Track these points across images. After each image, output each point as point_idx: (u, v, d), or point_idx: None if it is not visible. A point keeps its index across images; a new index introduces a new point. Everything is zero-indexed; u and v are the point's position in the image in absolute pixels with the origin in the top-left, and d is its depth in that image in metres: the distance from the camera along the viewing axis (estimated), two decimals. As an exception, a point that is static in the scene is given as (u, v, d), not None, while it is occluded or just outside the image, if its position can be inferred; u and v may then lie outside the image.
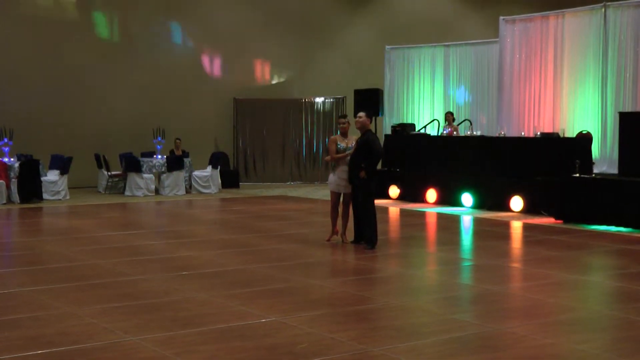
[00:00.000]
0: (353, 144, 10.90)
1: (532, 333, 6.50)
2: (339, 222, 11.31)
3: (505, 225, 13.66)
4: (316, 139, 22.61)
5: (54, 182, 17.49)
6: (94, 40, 20.49)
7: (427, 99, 20.61)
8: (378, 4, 25.10)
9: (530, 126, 17.33)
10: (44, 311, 7.24)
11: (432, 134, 18.64)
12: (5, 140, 17.39)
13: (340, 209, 11.24)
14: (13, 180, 16.65)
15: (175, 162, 18.87)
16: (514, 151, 15.73)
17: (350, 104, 20.74)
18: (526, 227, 13.39)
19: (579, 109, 16.63)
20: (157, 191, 18.85)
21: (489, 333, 6.57)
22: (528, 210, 14.85)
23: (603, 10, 16.15)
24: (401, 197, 17.39)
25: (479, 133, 17.97)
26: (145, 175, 18.51)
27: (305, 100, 22.66)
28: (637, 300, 7.86)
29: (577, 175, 13.82)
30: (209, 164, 19.89)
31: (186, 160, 19.26)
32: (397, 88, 21.00)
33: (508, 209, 15.12)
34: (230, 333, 6.50)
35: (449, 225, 13.97)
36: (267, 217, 14.74)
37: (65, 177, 17.69)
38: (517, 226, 13.57)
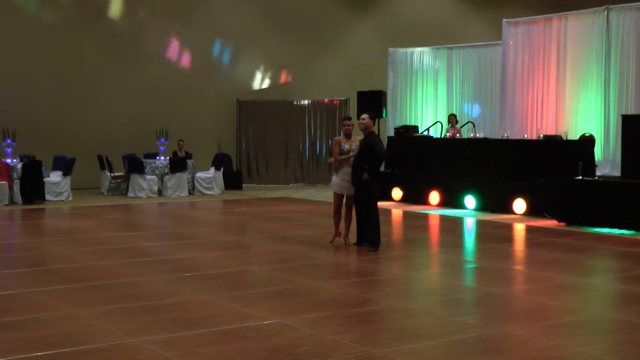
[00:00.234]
0: (356, 146, 10.90)
1: (535, 336, 6.50)
2: (342, 224, 11.30)
3: (508, 227, 13.65)
4: (319, 140, 22.61)
5: (56, 183, 17.50)
6: (97, 42, 20.50)
7: (430, 101, 20.62)
8: (381, 6, 25.11)
9: (533, 128, 17.33)
10: (46, 312, 7.24)
11: (435, 136, 18.64)
12: (8, 141, 17.41)
13: (343, 211, 11.23)
14: (16, 181, 16.66)
15: (178, 164, 18.88)
16: (516, 153, 15.71)
17: (353, 106, 20.74)
18: (529, 230, 13.38)
19: (581, 112, 16.63)
20: (160, 192, 18.86)
21: (492, 335, 6.56)
22: (531, 212, 14.83)
23: (606, 13, 16.15)
24: (404, 199, 17.38)
25: (482, 135, 17.97)
26: (148, 177, 18.51)
27: (308, 102, 22.66)
28: (640, 303, 7.86)
29: (580, 177, 13.80)
30: (212, 166, 19.89)
31: (189, 161, 19.26)
32: (400, 90, 21.01)
33: (511, 212, 15.11)
34: (232, 335, 6.50)
35: (452, 227, 13.96)
36: (270, 218, 14.74)
37: (68, 179, 17.71)
38: (519, 228, 13.56)
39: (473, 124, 18.54)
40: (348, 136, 11.11)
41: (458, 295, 8.39)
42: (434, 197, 16.74)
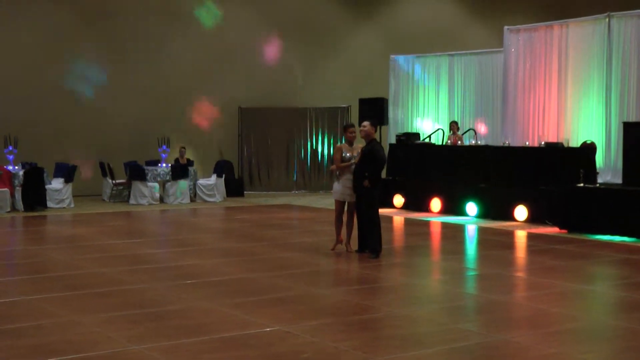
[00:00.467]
0: (358, 153, 10.91)
1: (536, 343, 6.49)
2: (344, 231, 11.30)
3: (510, 234, 13.65)
4: (321, 148, 22.62)
5: (58, 190, 17.52)
6: (99, 48, 20.54)
7: (431, 108, 20.63)
8: (383, 13, 25.14)
9: (535, 136, 17.33)
10: (48, 320, 7.25)
11: (436, 143, 18.65)
12: (10, 148, 17.44)
13: (344, 218, 11.24)
14: (17, 188, 16.68)
15: (179, 171, 18.89)
16: (518, 161, 15.71)
17: (355, 113, 20.76)
18: (530, 237, 13.38)
19: (583, 119, 16.63)
20: (161, 199, 18.86)
21: (493, 343, 6.56)
22: (532, 219, 14.83)
23: (607, 20, 16.16)
24: (405, 206, 17.37)
25: (483, 142, 17.97)
26: (149, 184, 18.52)
27: (310, 109, 22.68)
28: (642, 311, 7.86)
29: (582, 184, 13.81)
30: (214, 173, 19.91)
31: (191, 168, 19.28)
32: (401, 97, 21.03)
33: (512, 219, 15.11)
34: (234, 342, 6.50)
35: (453, 234, 13.96)
36: (272, 225, 14.74)
37: (69, 185, 17.72)
38: (521, 235, 13.56)
39: (474, 131, 18.54)
40: (350, 143, 11.12)
41: (460, 302, 8.38)
42: (436, 204, 16.74)
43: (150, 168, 18.73)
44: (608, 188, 13.93)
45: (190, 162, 19.75)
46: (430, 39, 24.70)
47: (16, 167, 17.16)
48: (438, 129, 19.34)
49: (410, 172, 17.75)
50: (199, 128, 21.98)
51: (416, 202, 17.15)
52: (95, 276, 9.46)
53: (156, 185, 18.67)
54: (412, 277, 9.87)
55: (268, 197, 20.78)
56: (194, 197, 19.32)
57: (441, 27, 25.69)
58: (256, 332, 6.80)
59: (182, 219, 16.18)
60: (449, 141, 18.37)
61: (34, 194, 16.81)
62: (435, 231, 14.51)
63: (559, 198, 14.11)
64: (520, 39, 17.91)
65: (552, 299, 8.32)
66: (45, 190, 17.08)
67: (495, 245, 12.54)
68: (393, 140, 19.09)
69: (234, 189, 20.73)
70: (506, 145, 16.71)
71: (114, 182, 19.11)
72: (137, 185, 18.41)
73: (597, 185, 14.09)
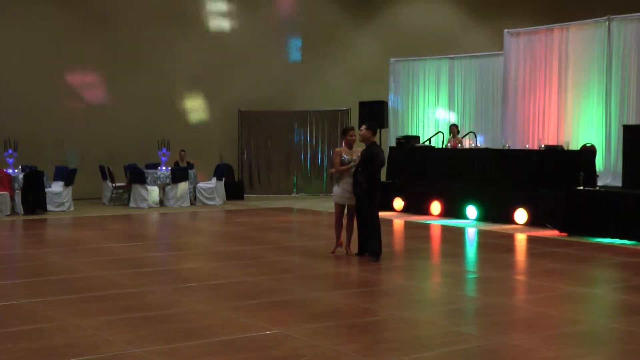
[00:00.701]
0: (358, 157, 10.91)
1: (537, 346, 6.49)
2: (343, 234, 11.30)
3: (510, 237, 13.64)
4: (321, 151, 22.63)
5: (58, 194, 17.52)
6: (99, 52, 20.56)
7: (431, 112, 20.63)
8: (383, 16, 25.16)
9: (535, 139, 17.33)
10: (47, 323, 7.25)
11: (436, 146, 18.65)
12: (10, 151, 17.44)
13: (344, 221, 11.24)
14: (17, 191, 16.68)
15: (179, 174, 18.89)
16: (518, 163, 15.72)
17: (355, 116, 20.76)
18: (530, 240, 13.38)
19: (583, 122, 16.64)
20: (161, 203, 18.87)
21: (493, 346, 6.56)
22: (532, 222, 14.83)
23: (607, 23, 16.17)
24: (405, 210, 17.37)
25: (483, 145, 17.97)
26: (149, 187, 18.52)
27: (310, 112, 22.69)
28: (642, 314, 7.85)
29: (581, 187, 13.81)
30: (214, 176, 19.91)
31: (191, 172, 19.28)
32: (401, 100, 21.03)
33: (512, 222, 15.11)
34: (233, 345, 6.50)
35: (453, 237, 13.96)
36: (272, 229, 14.74)
37: (69, 189, 17.72)
38: (521, 239, 13.55)
39: (475, 134, 18.54)
40: (350, 147, 11.11)
41: (459, 305, 8.38)
42: (436, 207, 16.74)
43: (150, 171, 18.74)
44: (608, 191, 13.92)
45: (190, 165, 19.76)
46: (431, 42, 24.69)
47: (16, 171, 17.16)
48: (438, 132, 19.34)
49: (410, 175, 17.73)
50: (199, 131, 21.99)
51: (416, 205, 17.15)
52: (95, 279, 9.46)
53: (156, 188, 18.68)
54: (412, 280, 9.87)
55: (268, 200, 20.78)
56: (194, 200, 19.31)
57: (441, 31, 25.69)
58: (256, 335, 6.79)
59: (182, 222, 16.18)
60: (449, 144, 18.37)
61: (34, 197, 16.81)
62: (435, 234, 14.51)
63: (559, 201, 14.10)
64: (520, 42, 17.92)
65: (552, 302, 8.32)
66: (45, 193, 17.08)
67: (495, 248, 12.54)
68: (393, 143, 19.08)
69: (234, 192, 20.73)
70: (506, 148, 16.70)
71: (114, 185, 19.12)
72: (137, 189, 18.41)
73: (597, 188, 14.09)
